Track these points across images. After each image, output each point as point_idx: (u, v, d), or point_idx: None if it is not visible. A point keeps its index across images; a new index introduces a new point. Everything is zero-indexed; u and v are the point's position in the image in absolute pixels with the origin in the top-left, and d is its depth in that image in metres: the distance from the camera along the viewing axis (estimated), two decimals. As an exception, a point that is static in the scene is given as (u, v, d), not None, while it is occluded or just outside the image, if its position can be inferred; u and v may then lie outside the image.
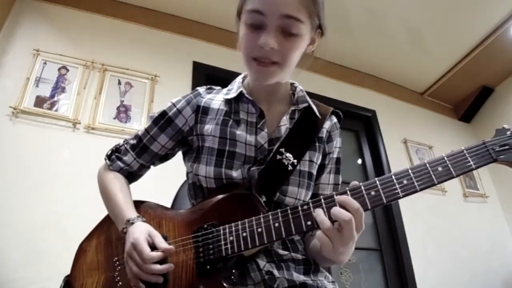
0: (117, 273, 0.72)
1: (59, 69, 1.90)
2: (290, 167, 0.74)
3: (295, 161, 0.74)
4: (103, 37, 2.12)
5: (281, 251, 0.73)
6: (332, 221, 0.59)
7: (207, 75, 2.25)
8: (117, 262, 0.73)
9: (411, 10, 2.45)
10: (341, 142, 0.88)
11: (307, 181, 0.77)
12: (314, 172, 0.80)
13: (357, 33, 2.65)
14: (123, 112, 1.95)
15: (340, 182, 0.86)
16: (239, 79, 0.86)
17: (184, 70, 2.26)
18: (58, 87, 1.86)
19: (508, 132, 0.61)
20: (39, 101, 1.78)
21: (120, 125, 1.90)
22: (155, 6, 2.38)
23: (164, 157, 0.87)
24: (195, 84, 2.23)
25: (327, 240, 0.59)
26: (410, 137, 2.89)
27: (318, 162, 0.81)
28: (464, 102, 3.34)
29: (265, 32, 0.67)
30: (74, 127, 1.80)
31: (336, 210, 0.58)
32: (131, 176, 0.87)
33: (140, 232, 0.67)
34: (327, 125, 0.85)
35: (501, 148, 0.61)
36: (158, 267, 0.63)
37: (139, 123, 1.95)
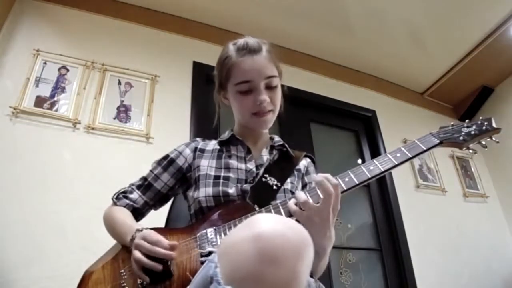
0: (123, 281, 0.74)
1: (59, 69, 1.90)
2: (275, 187, 0.89)
3: (279, 183, 0.90)
4: (103, 37, 2.12)
5: None
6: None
7: (207, 75, 2.25)
8: (123, 273, 0.75)
9: (411, 10, 2.45)
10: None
11: (291, 197, 0.88)
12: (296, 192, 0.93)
13: (357, 33, 2.65)
14: (123, 112, 1.95)
15: None
16: (228, 130, 1.04)
17: (184, 70, 2.26)
18: (58, 87, 1.86)
19: (450, 127, 0.86)
20: (39, 101, 1.78)
21: (120, 125, 1.90)
22: (155, 6, 2.38)
23: (165, 197, 0.98)
24: (195, 84, 2.23)
25: (305, 217, 0.69)
26: (410, 137, 2.88)
27: (299, 187, 0.96)
28: (464, 102, 3.34)
29: (257, 92, 0.88)
30: (74, 127, 1.80)
31: (321, 178, 0.69)
32: (136, 212, 0.93)
33: (149, 231, 0.75)
34: (303, 162, 1.02)
35: (444, 135, 0.83)
36: (163, 250, 0.70)
37: (139, 123, 1.95)
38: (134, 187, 0.96)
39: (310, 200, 0.70)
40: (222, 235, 0.75)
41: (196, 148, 0.98)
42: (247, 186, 0.87)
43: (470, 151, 0.86)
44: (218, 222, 0.79)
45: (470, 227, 2.79)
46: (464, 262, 2.59)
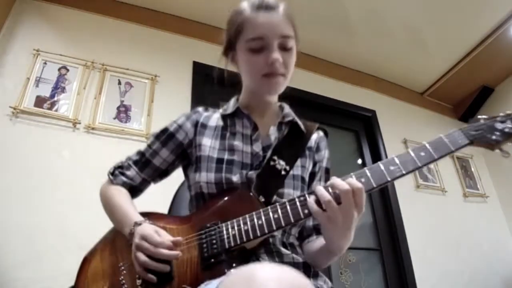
0: (122, 277, 0.73)
1: (59, 69, 1.90)
2: (283, 172, 0.82)
3: (288, 167, 0.82)
4: (103, 37, 2.12)
5: (283, 249, 0.77)
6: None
7: (207, 75, 2.25)
8: (122, 267, 0.74)
9: (411, 10, 2.45)
10: (329, 154, 0.96)
11: (300, 184, 0.84)
12: (306, 176, 0.87)
13: (357, 33, 2.65)
14: (123, 112, 1.95)
15: None
16: (233, 99, 0.95)
17: (184, 70, 2.26)
18: (58, 87, 1.86)
19: (482, 120, 0.74)
20: (39, 101, 1.78)
21: (120, 125, 1.90)
22: (155, 6, 2.38)
23: (165, 173, 0.93)
24: (195, 84, 2.22)
25: (326, 218, 0.64)
26: (410, 137, 2.89)
27: (310, 168, 0.89)
28: (464, 102, 3.34)
29: (269, 51, 0.79)
30: (74, 127, 1.80)
31: (336, 180, 0.64)
32: (134, 190, 0.90)
33: (149, 228, 0.71)
34: (314, 137, 0.94)
35: (475, 132, 0.72)
36: (167, 252, 0.67)
37: (139, 123, 1.95)
38: (131, 162, 0.91)
39: (334, 202, 0.63)
40: (225, 235, 0.70)
41: (197, 122, 0.90)
42: (252, 174, 0.80)
43: (503, 153, 0.71)
44: (219, 217, 0.74)
45: (470, 227, 2.79)
46: (464, 262, 2.59)
